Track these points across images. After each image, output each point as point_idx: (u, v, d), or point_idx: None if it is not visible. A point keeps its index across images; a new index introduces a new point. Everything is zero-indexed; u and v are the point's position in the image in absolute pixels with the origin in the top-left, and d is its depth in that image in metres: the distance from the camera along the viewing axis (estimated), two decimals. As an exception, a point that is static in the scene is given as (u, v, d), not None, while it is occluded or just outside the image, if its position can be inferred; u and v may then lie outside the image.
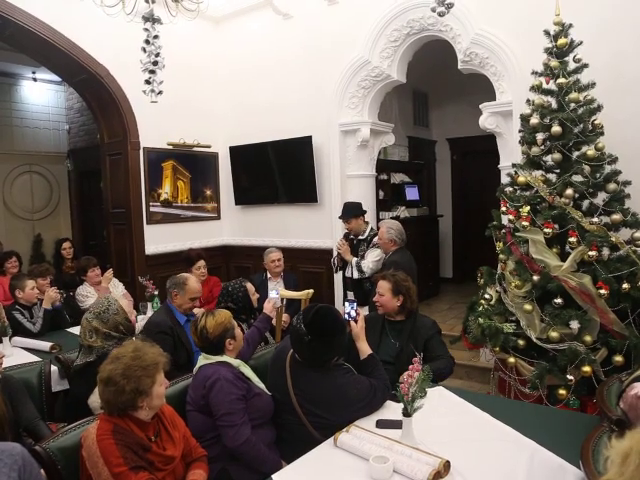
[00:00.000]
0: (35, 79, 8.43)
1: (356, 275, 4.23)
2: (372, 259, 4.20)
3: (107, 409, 1.82)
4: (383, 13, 4.82)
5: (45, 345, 3.39)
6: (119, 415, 1.82)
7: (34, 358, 3.14)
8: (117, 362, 1.83)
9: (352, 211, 4.35)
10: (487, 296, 3.46)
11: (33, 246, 8.46)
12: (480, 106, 4.48)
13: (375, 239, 4.24)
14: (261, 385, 2.42)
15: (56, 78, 7.40)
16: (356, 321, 2.51)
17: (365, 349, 2.48)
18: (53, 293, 3.94)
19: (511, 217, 3.28)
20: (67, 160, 8.91)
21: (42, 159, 8.69)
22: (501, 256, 3.41)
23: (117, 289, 4.63)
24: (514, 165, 3.45)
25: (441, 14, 2.80)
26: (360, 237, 4.35)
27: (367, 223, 4.42)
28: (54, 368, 2.96)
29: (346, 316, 2.48)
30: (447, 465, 1.75)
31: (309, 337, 2.19)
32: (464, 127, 7.22)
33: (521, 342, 3.17)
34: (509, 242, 3.31)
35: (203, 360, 2.38)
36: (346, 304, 2.58)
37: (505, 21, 4.19)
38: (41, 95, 8.67)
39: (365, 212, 4.43)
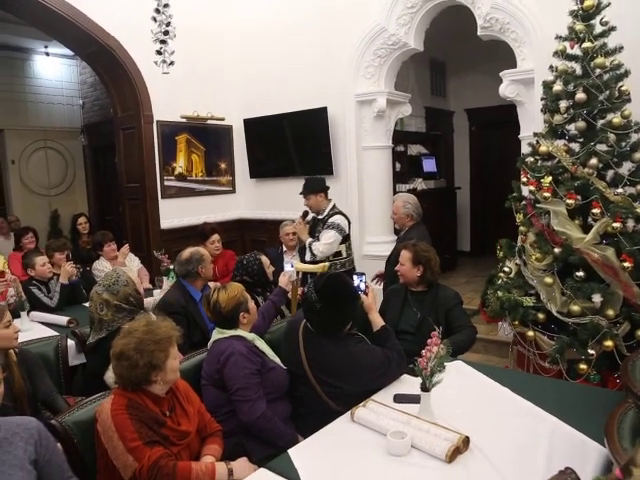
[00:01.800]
0: (47, 53, 8.38)
1: (308, 257, 3.95)
2: (325, 241, 3.87)
3: (121, 383, 1.82)
4: (400, -23, 4.66)
5: (62, 319, 3.41)
6: (133, 390, 1.81)
7: (52, 332, 3.16)
8: (129, 336, 1.82)
9: (310, 187, 4.03)
10: (506, 269, 3.38)
11: (50, 222, 8.54)
12: (500, 74, 4.34)
13: (332, 219, 3.91)
14: (276, 359, 2.41)
15: (69, 52, 7.33)
16: (366, 294, 2.50)
17: (378, 321, 2.47)
18: (70, 268, 3.95)
19: (532, 188, 3.19)
20: (81, 135, 8.91)
21: (57, 135, 8.70)
22: (521, 228, 3.33)
23: (133, 263, 4.64)
24: (536, 134, 3.33)
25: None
26: (319, 216, 4.04)
27: (329, 201, 4.06)
28: (71, 342, 2.97)
29: None
30: (466, 441, 1.72)
31: (320, 304, 2.19)
32: (483, 97, 7.03)
33: (541, 316, 3.11)
34: (530, 214, 3.22)
35: (217, 334, 2.37)
36: (354, 277, 2.55)
37: (528, -17, 4.02)
38: (54, 70, 8.63)
39: (326, 189, 4.08)
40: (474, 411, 2.01)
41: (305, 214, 4.16)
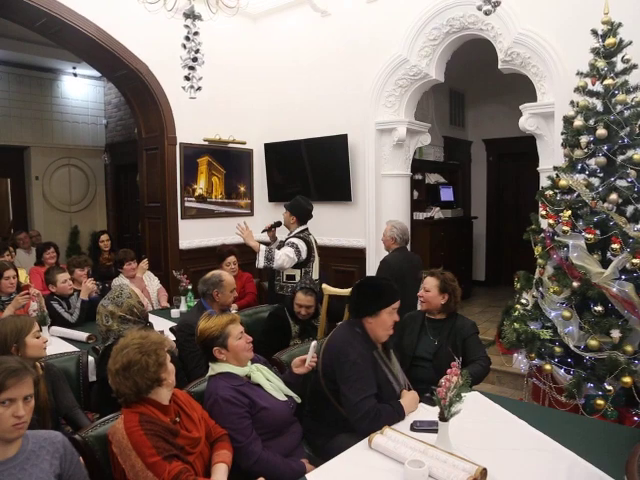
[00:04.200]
0: (75, 74, 8.64)
1: (262, 264, 3.93)
2: (287, 252, 3.93)
3: (134, 394, 1.84)
4: (423, 11, 4.76)
5: (82, 335, 3.46)
6: (140, 402, 1.85)
7: (71, 348, 3.23)
8: (127, 348, 1.88)
9: (289, 203, 4.23)
10: (523, 301, 3.39)
11: (70, 238, 8.68)
12: (520, 107, 4.39)
13: (290, 239, 4.06)
14: (275, 392, 2.29)
15: (95, 73, 7.56)
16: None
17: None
18: (90, 284, 4.02)
19: (551, 221, 3.20)
20: (104, 154, 9.10)
21: (80, 153, 8.91)
22: (539, 261, 3.33)
23: (153, 282, 4.69)
24: (555, 168, 3.36)
25: (487, 13, 2.75)
26: (281, 237, 4.28)
27: (301, 226, 4.19)
28: (91, 358, 3.01)
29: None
30: (484, 472, 1.72)
31: (355, 290, 2.55)
32: (501, 128, 7.11)
33: (558, 349, 3.09)
34: (548, 246, 3.23)
35: (209, 369, 2.30)
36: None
37: (549, 20, 4.09)
38: (80, 90, 8.88)
39: (297, 212, 4.17)
40: (492, 443, 2.00)
41: (277, 224, 4.42)
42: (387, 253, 4.22)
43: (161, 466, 1.73)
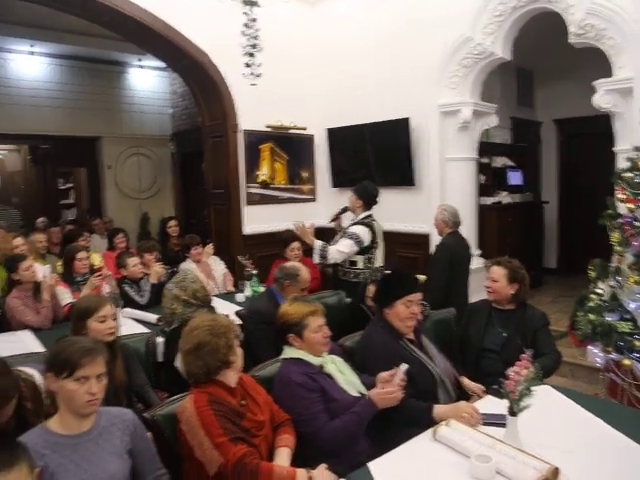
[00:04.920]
0: (141, 66, 8.91)
1: (317, 260, 3.99)
2: (339, 247, 3.92)
3: (204, 374, 1.89)
4: (488, -14, 4.54)
5: (152, 317, 3.58)
6: (209, 383, 1.89)
7: (142, 328, 3.36)
8: (198, 329, 1.94)
9: (356, 187, 4.21)
10: (599, 291, 3.20)
11: (140, 224, 9.03)
12: (594, 83, 4.10)
13: (352, 228, 4.00)
14: (348, 387, 2.23)
15: (160, 64, 7.75)
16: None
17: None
18: (159, 268, 4.17)
19: (630, 206, 3.00)
20: (170, 142, 9.36)
21: (148, 142, 9.21)
22: (617, 248, 3.13)
23: (219, 267, 4.80)
24: (636, 148, 3.13)
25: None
26: (346, 224, 4.23)
27: (366, 211, 4.13)
28: (160, 339, 3.12)
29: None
30: (556, 472, 1.64)
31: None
32: (573, 107, 6.71)
33: (638, 343, 2.90)
34: (627, 233, 3.03)
35: (283, 352, 2.30)
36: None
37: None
38: (147, 81, 9.16)
39: (363, 195, 4.13)
40: (564, 441, 1.90)
41: (344, 210, 4.42)
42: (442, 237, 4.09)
43: (227, 447, 1.77)
